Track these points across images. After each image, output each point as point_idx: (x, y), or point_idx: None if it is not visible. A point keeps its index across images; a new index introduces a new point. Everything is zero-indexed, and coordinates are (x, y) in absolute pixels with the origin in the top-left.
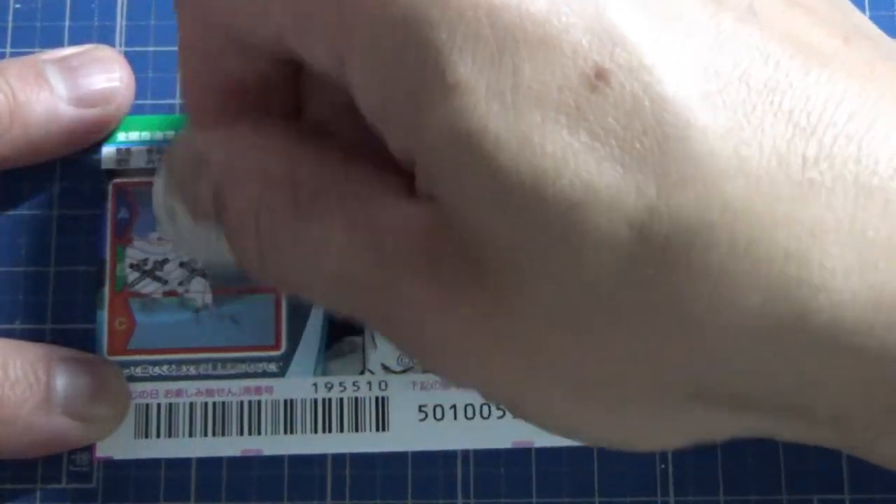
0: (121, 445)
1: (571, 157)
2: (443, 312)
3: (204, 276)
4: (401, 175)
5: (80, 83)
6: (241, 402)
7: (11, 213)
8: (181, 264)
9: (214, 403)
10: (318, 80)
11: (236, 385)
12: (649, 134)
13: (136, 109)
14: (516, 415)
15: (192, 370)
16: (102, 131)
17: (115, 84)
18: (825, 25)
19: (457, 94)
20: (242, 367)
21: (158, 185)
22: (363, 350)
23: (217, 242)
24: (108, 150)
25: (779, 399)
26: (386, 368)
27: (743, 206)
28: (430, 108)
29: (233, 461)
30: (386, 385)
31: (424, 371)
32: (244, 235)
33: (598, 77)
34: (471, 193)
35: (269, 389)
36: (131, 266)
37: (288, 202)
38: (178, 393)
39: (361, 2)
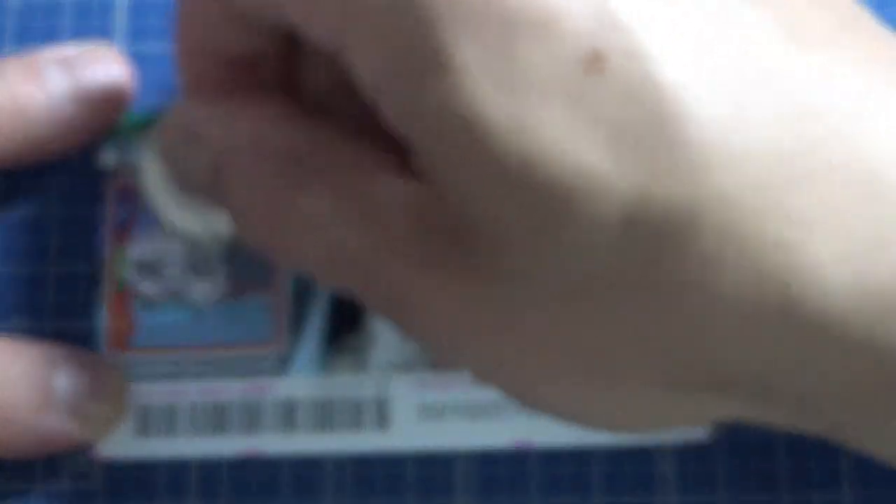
0: (121, 445)
1: (566, 141)
2: (431, 291)
3: (204, 275)
4: (395, 153)
5: (80, 82)
6: (241, 402)
7: (11, 213)
8: (181, 264)
9: (214, 403)
10: (315, 56)
11: (236, 384)
12: (644, 120)
13: (137, 109)
14: (508, 397)
15: (192, 370)
16: (102, 130)
17: (116, 83)
18: (823, 10)
19: (453, 73)
20: (243, 367)
21: (148, 156)
22: (363, 350)
23: (206, 216)
24: (108, 150)
25: (764, 385)
26: (386, 368)
27: (733, 194)
28: (427, 86)
29: (233, 461)
30: (386, 385)
31: (424, 371)
32: (241, 207)
33: (595, 61)
34: (464, 174)
35: (270, 389)
36: (131, 266)
37: (284, 175)
38: (178, 393)
39: None
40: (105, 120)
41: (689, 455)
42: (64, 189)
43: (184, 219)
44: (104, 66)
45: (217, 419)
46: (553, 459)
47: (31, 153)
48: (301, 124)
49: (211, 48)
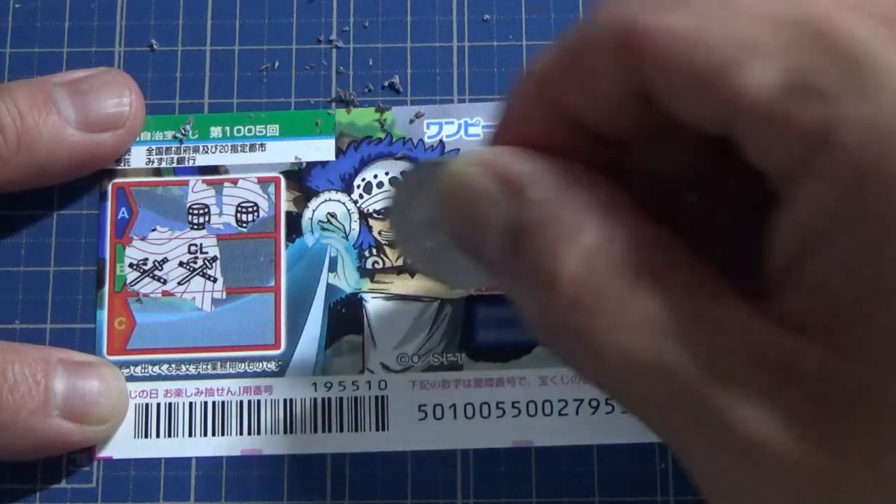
0: (121, 445)
1: None
2: (797, 466)
3: (203, 275)
4: (745, 290)
5: (89, 108)
6: (241, 402)
7: (11, 213)
8: (180, 264)
9: (214, 403)
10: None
11: (236, 385)
12: None
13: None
14: None
15: (192, 370)
16: (110, 156)
17: (125, 109)
18: None
19: None
20: (242, 367)
21: (402, 198)
22: (363, 350)
23: (475, 276)
24: None
25: None
26: (386, 368)
27: None
28: None
29: (233, 461)
30: (386, 385)
31: (424, 370)
32: (549, 279)
33: None
34: None
35: (269, 389)
36: (131, 266)
37: (623, 265)
38: (178, 393)
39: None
40: (113, 146)
41: None
42: (64, 189)
43: (443, 267)
44: (114, 91)
45: (217, 419)
46: (553, 459)
47: (38, 178)
48: (647, 221)
49: (569, 105)
